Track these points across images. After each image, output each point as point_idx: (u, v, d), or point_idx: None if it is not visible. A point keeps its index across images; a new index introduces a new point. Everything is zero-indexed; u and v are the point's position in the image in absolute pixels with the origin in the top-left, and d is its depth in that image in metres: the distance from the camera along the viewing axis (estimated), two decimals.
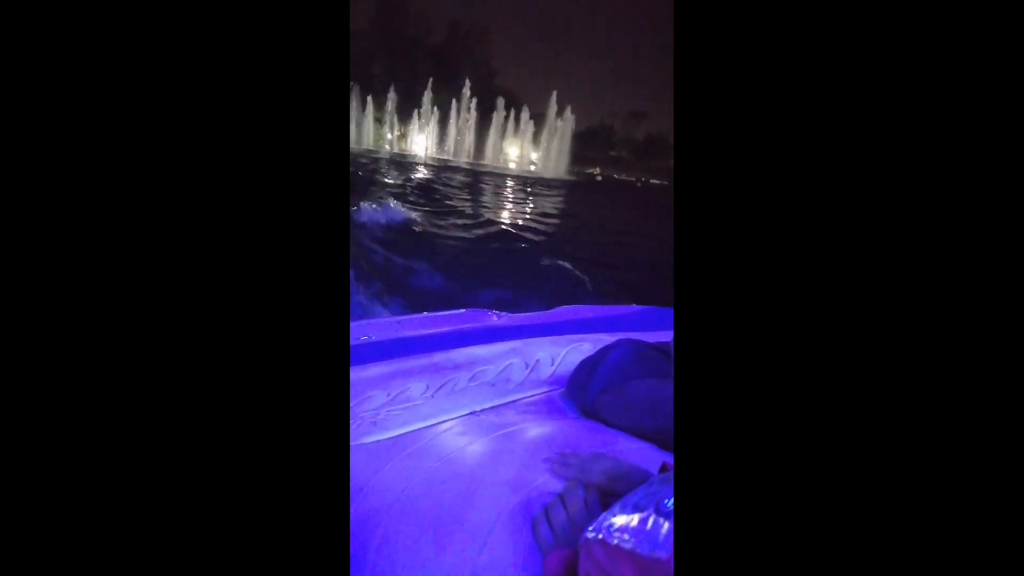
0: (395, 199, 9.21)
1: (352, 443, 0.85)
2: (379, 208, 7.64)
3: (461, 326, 1.14)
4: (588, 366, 0.96)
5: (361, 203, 7.87)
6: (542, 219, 10.37)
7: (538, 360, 1.08)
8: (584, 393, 0.93)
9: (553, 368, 1.08)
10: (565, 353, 1.11)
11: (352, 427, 0.88)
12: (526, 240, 7.40)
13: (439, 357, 1.04)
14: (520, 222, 9.52)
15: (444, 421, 0.92)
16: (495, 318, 1.23)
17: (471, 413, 0.95)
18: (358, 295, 4.31)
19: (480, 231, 7.69)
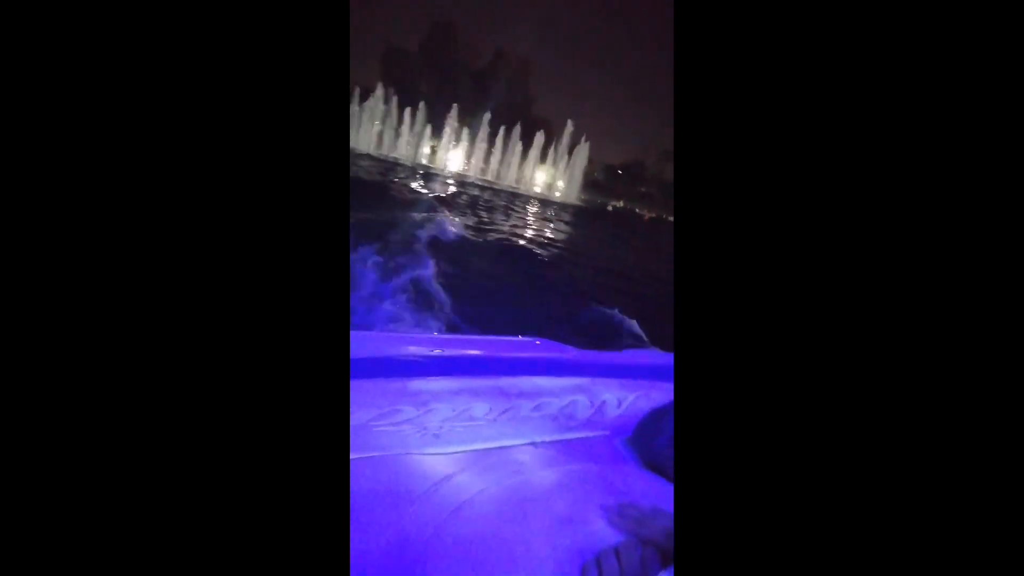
0: (445, 212, 9.30)
1: (411, 452, 0.86)
2: (432, 222, 7.70)
3: (529, 354, 1.15)
4: (656, 416, 0.94)
5: (418, 215, 7.96)
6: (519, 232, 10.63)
7: (604, 401, 1.07)
8: (649, 444, 0.91)
9: (619, 411, 1.06)
10: (633, 399, 1.09)
11: (415, 436, 0.90)
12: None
13: (505, 382, 1.04)
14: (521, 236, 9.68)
15: (504, 446, 0.92)
16: (563, 352, 1.23)
17: (531, 443, 0.94)
18: (428, 314, 4.40)
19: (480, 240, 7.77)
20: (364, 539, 0.69)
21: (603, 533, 0.72)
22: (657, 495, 0.81)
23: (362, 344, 1.05)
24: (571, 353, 1.18)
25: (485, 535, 0.71)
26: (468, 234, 7.88)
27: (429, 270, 5.19)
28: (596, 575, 0.65)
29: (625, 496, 0.80)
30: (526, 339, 1.24)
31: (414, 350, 1.04)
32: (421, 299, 4.52)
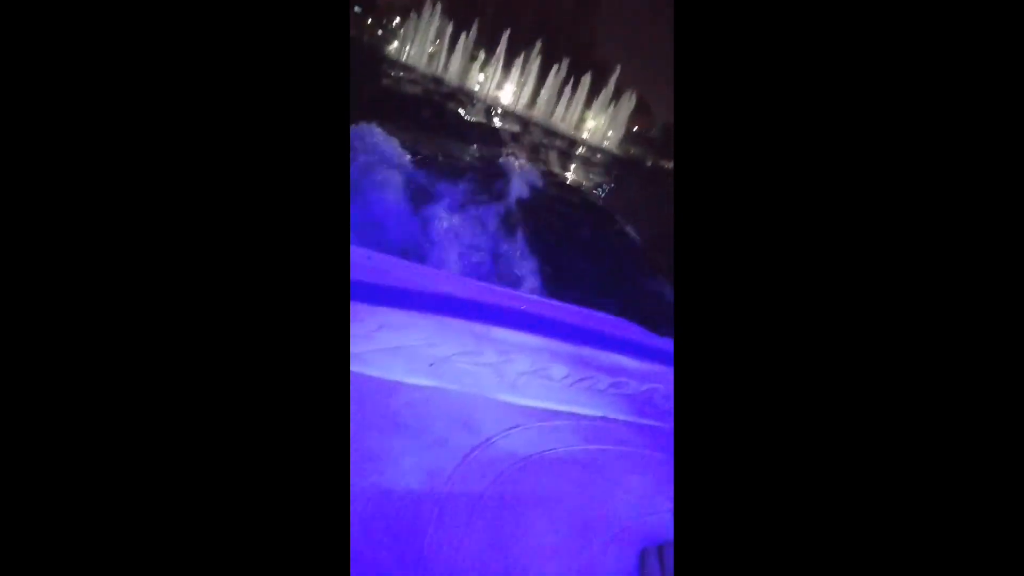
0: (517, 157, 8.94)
1: (485, 394, 0.90)
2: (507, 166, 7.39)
3: (612, 330, 1.15)
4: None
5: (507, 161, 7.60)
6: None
7: None
8: None
9: None
10: None
11: (493, 380, 0.93)
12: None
13: (586, 351, 1.05)
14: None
15: (576, 413, 0.94)
16: (646, 337, 1.24)
17: (603, 417, 0.96)
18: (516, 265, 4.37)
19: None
20: (425, 462, 0.71)
21: (666, 526, 0.73)
22: None
23: (447, 284, 1.06)
24: (655, 340, 1.18)
25: (545, 495, 0.73)
26: (542, 181, 7.59)
27: (510, 219, 5.11)
28: (656, 562, 0.65)
29: None
30: (610, 316, 1.25)
31: (498, 300, 1.04)
32: (503, 248, 4.50)
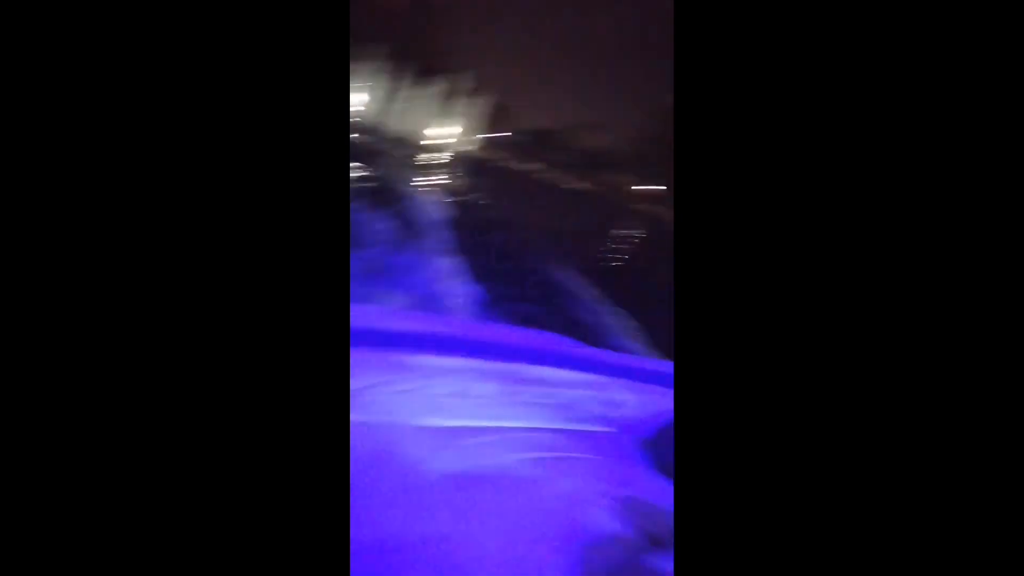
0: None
1: (411, 423, 0.91)
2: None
3: (537, 344, 1.21)
4: None
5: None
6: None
7: (619, 400, 1.11)
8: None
9: (633, 412, 1.09)
10: (650, 402, 1.13)
11: (418, 405, 0.95)
12: None
13: (516, 367, 1.11)
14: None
15: (505, 427, 0.97)
16: (574, 347, 1.27)
17: (533, 428, 0.99)
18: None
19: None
20: (362, 500, 0.70)
21: (605, 520, 0.76)
22: (670, 497, 0.80)
23: (364, 317, 1.07)
24: (583, 350, 1.26)
25: (481, 509, 0.76)
26: (404, 191, 7.38)
27: (439, 247, 5.13)
28: (602, 559, 0.69)
29: (633, 492, 0.83)
30: (537, 330, 1.32)
31: (417, 326, 1.08)
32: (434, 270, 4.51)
